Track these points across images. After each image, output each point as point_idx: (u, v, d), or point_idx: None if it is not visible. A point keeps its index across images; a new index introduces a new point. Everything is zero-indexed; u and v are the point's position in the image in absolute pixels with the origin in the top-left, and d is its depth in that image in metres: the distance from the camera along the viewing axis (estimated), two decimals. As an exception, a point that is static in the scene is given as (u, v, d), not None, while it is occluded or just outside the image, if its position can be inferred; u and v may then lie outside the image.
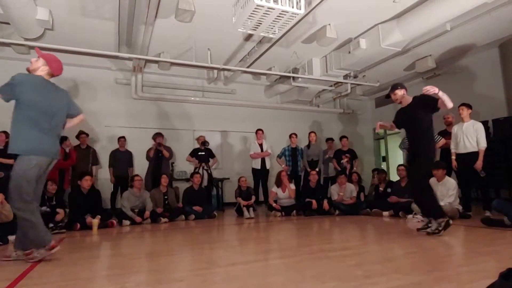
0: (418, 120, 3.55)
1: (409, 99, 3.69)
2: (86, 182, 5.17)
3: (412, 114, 3.59)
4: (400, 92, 3.69)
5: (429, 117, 3.56)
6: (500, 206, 3.89)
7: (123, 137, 7.07)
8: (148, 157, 6.78)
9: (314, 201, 6.09)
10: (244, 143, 8.96)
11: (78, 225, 4.79)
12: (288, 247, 3.28)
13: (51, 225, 4.53)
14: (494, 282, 1.18)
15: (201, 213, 5.95)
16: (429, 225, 3.58)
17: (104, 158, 6.98)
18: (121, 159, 6.88)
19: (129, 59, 7.16)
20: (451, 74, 7.85)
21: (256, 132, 7.35)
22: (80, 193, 5.18)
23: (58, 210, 4.82)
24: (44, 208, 4.82)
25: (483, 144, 4.93)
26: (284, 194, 6.29)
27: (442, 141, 5.63)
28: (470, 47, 6.96)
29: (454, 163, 5.17)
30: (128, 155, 7.05)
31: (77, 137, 6.50)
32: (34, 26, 5.23)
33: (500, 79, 6.79)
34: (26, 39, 5.66)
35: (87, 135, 6.61)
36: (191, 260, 2.82)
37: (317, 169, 6.93)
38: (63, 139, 6.03)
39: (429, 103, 3.48)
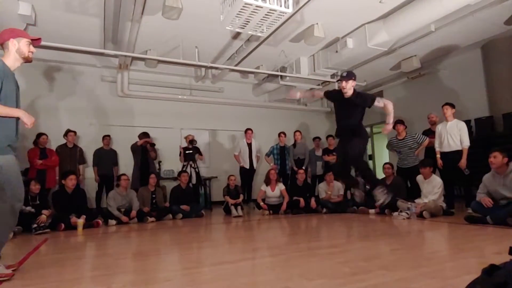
0: (357, 113, 3.73)
1: (350, 93, 3.74)
2: (70, 182, 5.07)
3: (351, 106, 3.74)
4: (351, 84, 3.71)
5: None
6: (478, 208, 4.01)
7: (108, 135, 6.96)
8: (134, 150, 6.68)
9: (301, 200, 6.13)
10: (232, 142, 8.94)
11: (63, 225, 4.69)
12: (275, 245, 3.29)
13: (34, 225, 4.44)
14: (477, 277, 1.21)
15: (188, 212, 5.92)
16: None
17: (88, 157, 6.86)
18: (105, 158, 6.77)
19: (115, 56, 7.04)
20: (435, 74, 8.00)
21: (246, 132, 7.34)
22: (65, 192, 5.08)
23: (43, 211, 4.71)
24: (28, 208, 4.72)
25: (467, 143, 5.06)
26: (273, 193, 6.30)
27: (426, 140, 5.74)
28: (454, 47, 7.10)
29: (440, 162, 5.28)
30: (113, 154, 6.94)
31: (65, 135, 6.36)
32: (16, 21, 5.08)
33: (482, 80, 6.96)
34: (8, 35, 5.50)
35: (75, 133, 6.48)
36: (179, 259, 2.81)
37: (303, 167, 6.99)
38: (39, 135, 5.90)
39: (367, 104, 3.70)
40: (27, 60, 2.44)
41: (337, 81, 4.03)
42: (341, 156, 3.92)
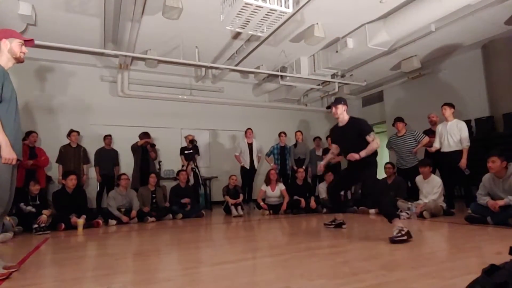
0: (354, 144, 3.46)
1: (346, 118, 3.62)
2: (70, 182, 5.07)
3: (348, 136, 3.55)
4: (341, 108, 3.61)
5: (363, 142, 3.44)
6: (478, 210, 4.00)
7: (110, 135, 6.96)
8: (134, 150, 6.68)
9: (302, 200, 6.13)
10: (233, 142, 8.95)
11: (63, 225, 4.70)
12: (276, 245, 3.29)
13: (35, 225, 4.44)
14: (477, 278, 1.21)
15: (188, 212, 5.93)
16: (333, 222, 4.02)
17: (89, 157, 6.86)
18: (106, 158, 6.77)
19: (115, 56, 7.05)
20: (435, 74, 8.00)
21: (246, 131, 7.35)
22: (65, 192, 5.08)
23: (44, 211, 4.71)
24: (29, 207, 4.72)
25: (467, 143, 5.06)
26: (274, 192, 6.30)
27: (425, 139, 5.74)
28: (454, 47, 7.10)
29: (431, 149, 5.40)
30: (114, 154, 6.94)
31: (68, 135, 6.35)
32: (16, 21, 5.09)
33: (482, 80, 6.96)
34: (8, 35, 5.50)
35: (78, 133, 6.46)
36: (179, 259, 2.81)
37: (304, 167, 7.00)
38: (28, 133, 5.80)
39: (362, 135, 3.43)
40: (18, 60, 2.45)
41: (327, 108, 3.90)
42: (340, 178, 3.87)
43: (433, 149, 5.41)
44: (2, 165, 2.24)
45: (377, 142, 3.39)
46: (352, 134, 3.50)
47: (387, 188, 5.68)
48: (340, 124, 3.67)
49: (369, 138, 3.38)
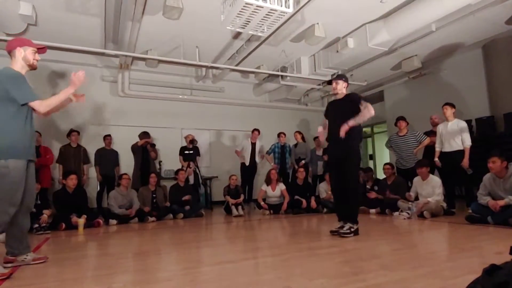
0: (346, 118, 3.43)
1: (343, 93, 3.65)
2: (71, 181, 5.07)
3: (343, 109, 3.55)
4: (341, 84, 3.62)
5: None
6: (478, 210, 4.00)
7: (109, 135, 6.96)
8: (134, 150, 6.69)
9: (304, 201, 6.12)
10: (233, 142, 8.95)
11: (63, 225, 4.70)
12: (276, 245, 3.29)
13: (35, 225, 4.44)
14: (477, 277, 1.20)
15: (188, 211, 5.93)
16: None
17: (90, 157, 6.86)
18: (107, 158, 6.77)
19: (116, 56, 7.05)
20: (436, 74, 7.99)
21: (252, 132, 7.40)
22: (66, 192, 5.08)
23: (44, 211, 4.71)
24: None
25: (468, 142, 5.05)
26: (274, 192, 6.30)
27: (427, 140, 5.73)
28: (455, 47, 7.10)
29: (438, 162, 5.28)
30: (114, 154, 6.94)
31: (68, 135, 6.35)
32: (17, 21, 5.10)
33: (483, 79, 6.95)
34: (9, 35, 5.51)
35: (78, 133, 6.46)
36: (179, 259, 2.81)
37: (303, 162, 7.03)
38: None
39: (355, 104, 3.47)
40: (32, 67, 2.60)
41: (328, 83, 3.90)
42: (336, 188, 3.64)
43: (436, 157, 5.36)
44: (16, 166, 2.35)
45: (370, 110, 3.35)
46: (346, 108, 3.51)
47: (386, 188, 5.67)
48: (337, 98, 3.71)
49: (361, 106, 3.39)
